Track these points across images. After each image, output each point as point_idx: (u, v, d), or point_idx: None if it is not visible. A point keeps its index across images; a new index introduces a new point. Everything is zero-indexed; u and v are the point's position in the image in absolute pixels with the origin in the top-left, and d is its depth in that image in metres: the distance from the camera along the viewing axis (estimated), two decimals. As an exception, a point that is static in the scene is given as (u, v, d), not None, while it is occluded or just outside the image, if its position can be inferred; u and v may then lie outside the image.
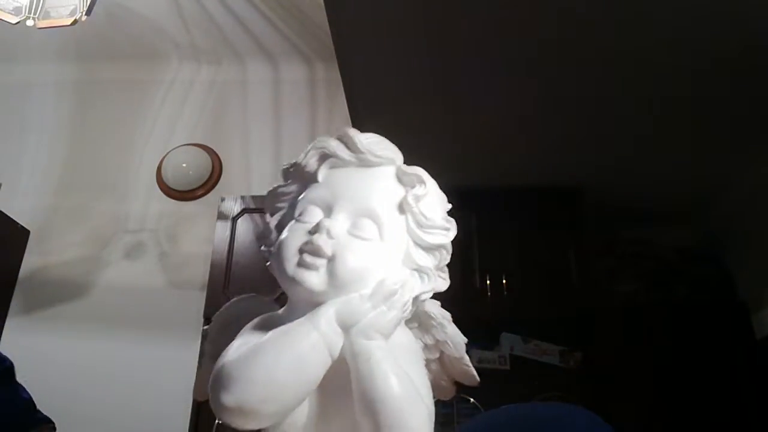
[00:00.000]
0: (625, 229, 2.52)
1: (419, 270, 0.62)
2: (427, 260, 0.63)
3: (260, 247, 0.68)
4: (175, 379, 2.11)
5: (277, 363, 0.52)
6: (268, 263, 0.64)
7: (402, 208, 0.62)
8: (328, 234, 0.58)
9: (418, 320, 0.66)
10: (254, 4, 2.60)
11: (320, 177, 0.63)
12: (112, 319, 2.43)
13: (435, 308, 0.67)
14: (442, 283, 0.65)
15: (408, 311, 0.60)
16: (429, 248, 0.63)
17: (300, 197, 0.64)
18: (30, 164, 2.82)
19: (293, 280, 0.58)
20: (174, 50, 2.92)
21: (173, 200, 2.69)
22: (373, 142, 0.64)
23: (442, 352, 0.68)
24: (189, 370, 1.76)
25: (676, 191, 2.37)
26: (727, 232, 2.50)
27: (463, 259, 2.24)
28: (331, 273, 0.57)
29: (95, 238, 2.64)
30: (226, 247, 2.34)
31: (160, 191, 2.71)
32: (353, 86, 1.84)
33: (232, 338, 0.60)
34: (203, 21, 2.71)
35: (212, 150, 2.76)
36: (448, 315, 0.68)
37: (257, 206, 2.39)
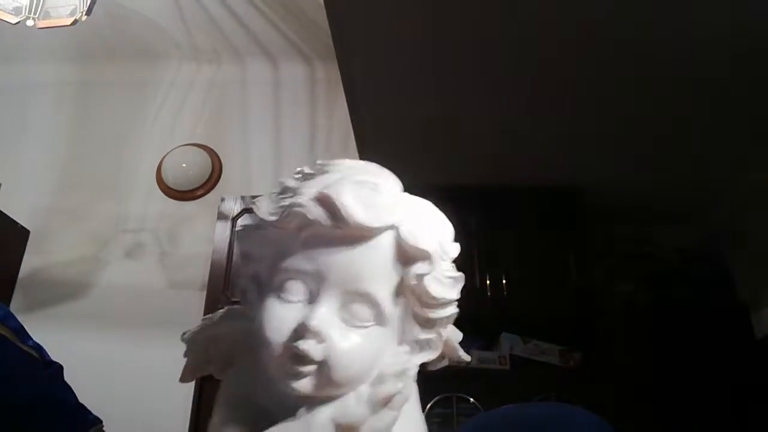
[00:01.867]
0: (625, 229, 2.52)
1: (420, 344, 0.55)
2: (431, 333, 0.56)
3: (229, 295, 0.62)
4: (175, 379, 2.11)
5: None
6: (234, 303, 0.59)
7: (402, 286, 0.53)
8: (317, 335, 0.50)
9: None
10: (254, 4, 2.60)
11: (301, 244, 0.53)
12: (112, 319, 2.43)
13: None
14: (454, 335, 0.59)
15: (411, 394, 0.54)
16: (435, 323, 0.55)
17: (281, 260, 0.54)
18: (30, 164, 2.82)
19: (283, 388, 0.52)
20: (174, 50, 2.92)
21: (173, 200, 2.69)
22: (363, 209, 0.51)
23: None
24: (189, 370, 1.76)
25: (676, 191, 2.37)
26: (727, 232, 2.50)
27: (463, 259, 2.23)
28: (325, 378, 0.51)
29: (95, 238, 2.64)
30: (226, 247, 2.34)
31: (160, 191, 2.71)
32: (353, 86, 1.84)
33: (216, 356, 0.57)
34: (203, 21, 2.71)
35: (212, 150, 2.76)
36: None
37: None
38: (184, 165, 2.69)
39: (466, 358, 0.62)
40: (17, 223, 2.57)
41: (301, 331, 0.50)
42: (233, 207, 2.45)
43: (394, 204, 0.54)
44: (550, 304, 2.18)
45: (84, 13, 1.81)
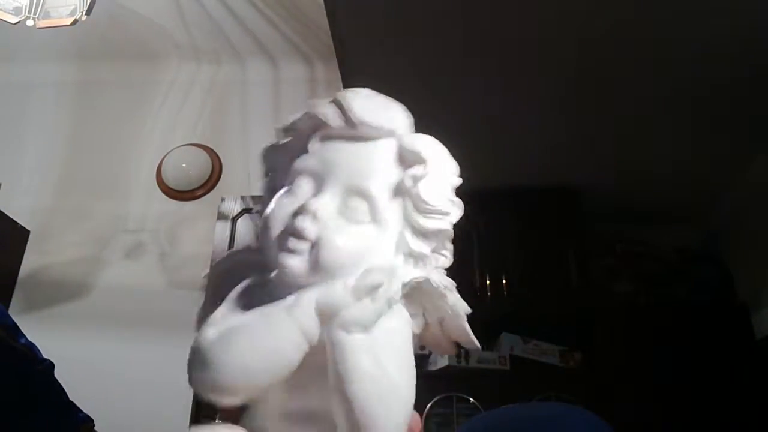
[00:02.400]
0: (625, 229, 2.52)
1: (414, 255, 0.58)
2: (423, 245, 0.58)
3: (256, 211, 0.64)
4: (175, 379, 2.11)
5: (250, 351, 0.52)
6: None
7: (399, 188, 0.57)
8: (314, 216, 0.54)
9: (419, 288, 0.62)
10: (254, 4, 2.60)
11: (311, 147, 0.58)
12: (112, 319, 2.43)
13: (437, 276, 0.62)
14: (443, 261, 0.61)
15: (397, 299, 0.57)
16: (427, 233, 0.58)
17: (293, 163, 0.59)
18: (30, 164, 2.82)
19: (275, 263, 0.55)
20: (174, 50, 2.92)
21: (173, 200, 2.69)
22: (370, 111, 0.58)
23: (443, 317, 0.64)
24: (189, 370, 1.76)
25: (676, 191, 2.37)
26: (727, 232, 2.50)
27: (463, 259, 2.23)
28: (315, 258, 0.54)
29: (95, 238, 2.64)
30: (226, 248, 2.34)
31: (160, 191, 2.71)
32: (353, 86, 1.84)
33: (227, 291, 0.58)
34: (203, 21, 2.71)
35: (212, 150, 2.76)
36: (451, 283, 0.63)
37: (257, 206, 2.39)
38: (184, 165, 2.69)
39: (474, 340, 0.64)
40: (17, 223, 2.57)
41: (299, 210, 0.54)
42: (233, 207, 2.45)
43: (397, 118, 0.60)
44: (550, 304, 2.18)
45: (84, 13, 1.81)
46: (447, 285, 0.62)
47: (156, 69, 2.98)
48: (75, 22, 1.82)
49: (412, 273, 0.58)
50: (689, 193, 2.38)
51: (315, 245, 0.54)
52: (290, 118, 0.61)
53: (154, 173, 2.73)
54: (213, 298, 0.61)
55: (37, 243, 2.63)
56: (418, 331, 0.63)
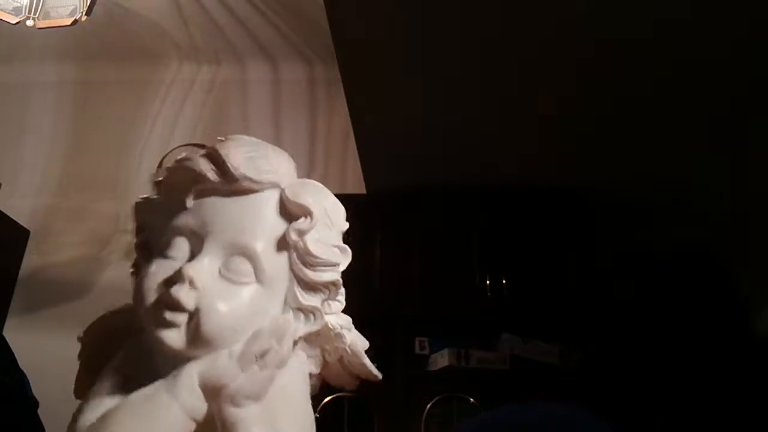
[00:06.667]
0: (625, 228, 2.52)
1: (304, 310, 0.55)
2: (313, 299, 0.55)
3: (130, 270, 0.59)
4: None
5: None
6: None
7: (284, 242, 0.53)
8: (191, 284, 0.49)
9: (316, 332, 0.59)
10: (254, 4, 2.60)
11: (189, 203, 0.53)
12: (112, 319, 2.43)
13: (333, 318, 0.60)
14: (336, 306, 0.58)
15: (288, 358, 0.53)
16: (315, 286, 0.55)
17: (169, 221, 0.55)
18: (30, 164, 2.82)
19: (152, 339, 0.50)
20: (174, 50, 2.92)
21: (173, 200, 2.69)
22: (251, 163, 0.52)
23: (341, 356, 0.62)
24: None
25: (676, 191, 2.37)
26: (727, 232, 2.50)
27: (463, 259, 2.24)
28: (195, 329, 0.49)
29: (95, 238, 2.64)
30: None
31: (160, 191, 2.71)
32: (353, 86, 1.84)
33: (107, 358, 0.54)
34: (203, 21, 2.71)
35: (212, 150, 2.76)
36: (347, 322, 0.61)
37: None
38: (184, 165, 2.69)
39: (376, 373, 0.61)
40: (17, 223, 2.57)
41: (175, 278, 0.50)
42: (233, 207, 2.44)
43: (280, 168, 0.55)
44: (550, 304, 2.18)
45: (84, 13, 1.81)
46: (344, 325, 0.60)
47: (156, 69, 2.98)
48: (75, 22, 1.82)
49: (303, 328, 0.55)
50: (689, 193, 2.37)
51: (194, 315, 0.49)
52: (162, 170, 0.56)
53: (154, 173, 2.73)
54: (88, 367, 0.57)
55: (37, 243, 2.63)
56: (317, 370, 0.60)
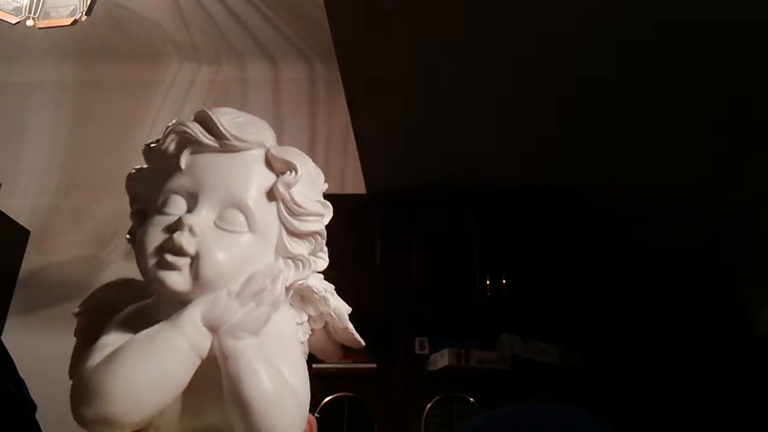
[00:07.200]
0: (625, 228, 2.52)
1: (293, 258, 0.60)
2: (301, 248, 0.60)
3: (126, 237, 0.63)
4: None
5: (139, 374, 0.50)
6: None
7: (272, 195, 0.58)
8: (191, 231, 0.53)
9: (300, 294, 0.64)
10: (254, 4, 2.60)
11: (183, 164, 0.58)
12: (112, 319, 2.43)
13: (317, 282, 0.64)
14: (321, 264, 0.63)
15: (282, 302, 0.58)
16: (303, 235, 0.60)
17: (163, 185, 0.59)
18: (30, 164, 2.82)
19: (155, 280, 0.54)
20: (174, 50, 2.93)
21: (173, 200, 2.69)
22: (238, 125, 0.58)
23: (326, 322, 0.67)
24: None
25: (676, 191, 2.37)
26: (727, 232, 2.50)
27: (463, 259, 2.24)
28: (195, 272, 0.53)
29: (95, 238, 2.64)
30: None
31: (160, 191, 2.71)
32: (353, 86, 1.84)
33: (101, 328, 0.57)
34: (203, 21, 2.71)
35: (212, 150, 2.76)
36: (330, 287, 0.66)
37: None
38: (184, 165, 2.70)
39: (359, 338, 0.66)
40: (17, 223, 2.57)
41: (175, 225, 0.54)
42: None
43: (265, 131, 0.61)
44: (550, 304, 2.18)
45: (84, 13, 1.81)
46: (327, 288, 0.65)
47: (156, 69, 2.98)
48: (75, 22, 1.82)
49: (293, 276, 0.59)
50: (689, 193, 2.37)
51: (195, 260, 0.53)
52: (154, 139, 0.61)
53: (154, 173, 2.74)
54: (85, 340, 0.59)
55: (37, 243, 2.63)
56: (304, 338, 0.64)
